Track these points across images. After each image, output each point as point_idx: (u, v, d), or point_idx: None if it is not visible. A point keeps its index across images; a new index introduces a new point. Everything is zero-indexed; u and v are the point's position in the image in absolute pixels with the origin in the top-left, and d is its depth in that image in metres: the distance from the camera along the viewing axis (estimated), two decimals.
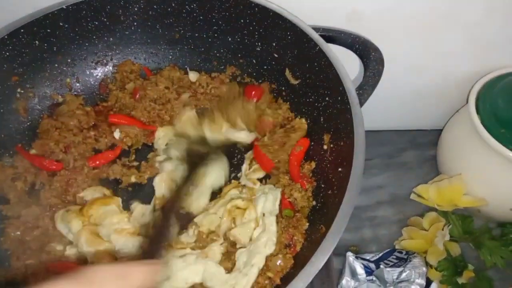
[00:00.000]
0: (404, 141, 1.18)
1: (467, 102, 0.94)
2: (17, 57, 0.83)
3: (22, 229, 0.78)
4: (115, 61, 0.96)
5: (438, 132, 1.11)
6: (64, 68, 0.91)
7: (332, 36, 0.78)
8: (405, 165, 1.14)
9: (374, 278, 0.91)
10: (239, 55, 0.92)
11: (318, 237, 0.59)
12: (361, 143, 0.62)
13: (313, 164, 0.80)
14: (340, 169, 0.67)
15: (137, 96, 0.92)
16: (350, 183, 0.58)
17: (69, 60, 0.91)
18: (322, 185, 0.73)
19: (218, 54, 0.94)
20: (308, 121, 0.83)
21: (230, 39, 0.91)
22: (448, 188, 0.96)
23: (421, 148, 1.17)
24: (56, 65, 0.90)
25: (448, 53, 0.95)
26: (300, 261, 0.54)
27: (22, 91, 0.86)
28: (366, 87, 0.71)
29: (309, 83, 0.80)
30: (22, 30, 0.81)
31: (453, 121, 1.05)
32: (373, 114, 1.03)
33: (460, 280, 0.91)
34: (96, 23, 0.89)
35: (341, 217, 0.55)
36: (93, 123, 0.90)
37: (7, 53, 0.81)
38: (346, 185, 0.59)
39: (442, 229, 0.94)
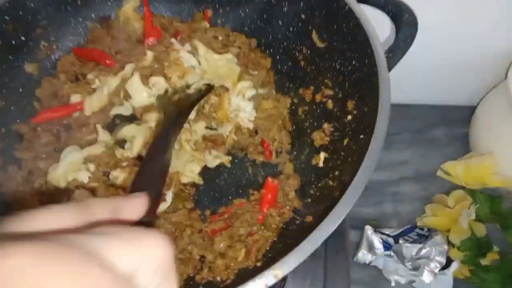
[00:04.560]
0: (434, 116, 1.12)
1: (505, 77, 0.88)
2: (42, 9, 0.82)
3: None
4: None
5: (472, 109, 1.06)
6: (88, 23, 0.90)
7: None
8: (433, 141, 1.09)
9: (392, 254, 0.88)
10: (265, 15, 0.88)
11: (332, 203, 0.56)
12: (385, 108, 0.58)
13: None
14: (362, 136, 0.64)
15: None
16: (370, 149, 0.55)
17: (93, 15, 0.90)
18: (342, 153, 0.70)
19: (243, 14, 0.91)
20: (334, 87, 0.79)
21: None
22: (478, 166, 0.92)
23: (452, 124, 1.11)
24: (80, 19, 0.89)
25: (488, 23, 0.89)
26: (311, 227, 0.52)
27: (46, 44, 0.86)
28: (396, 50, 0.66)
29: (336, 46, 0.76)
30: None
31: (489, 97, 0.99)
32: (404, 86, 0.98)
33: (484, 262, 0.88)
34: None
35: (356, 182, 0.52)
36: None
37: (32, 4, 0.81)
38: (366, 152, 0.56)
39: (469, 208, 0.90)
